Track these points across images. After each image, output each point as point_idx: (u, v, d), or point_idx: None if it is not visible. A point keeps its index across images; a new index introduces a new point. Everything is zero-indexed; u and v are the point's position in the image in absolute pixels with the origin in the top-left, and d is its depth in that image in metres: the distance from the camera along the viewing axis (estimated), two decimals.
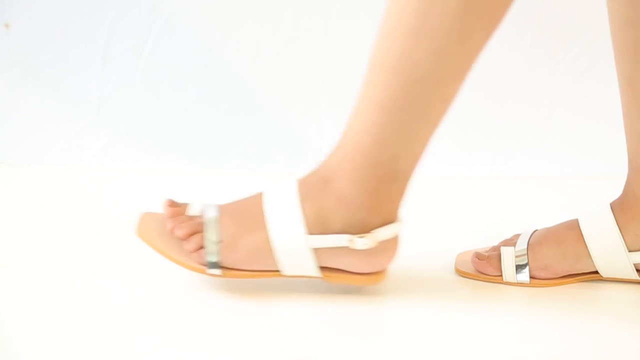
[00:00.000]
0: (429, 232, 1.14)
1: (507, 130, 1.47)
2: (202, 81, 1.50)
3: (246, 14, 1.50)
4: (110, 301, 0.95)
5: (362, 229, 0.93)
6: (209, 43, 1.51)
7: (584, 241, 1.00)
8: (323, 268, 0.95)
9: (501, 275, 1.01)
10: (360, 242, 0.92)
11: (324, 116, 1.48)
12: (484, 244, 1.08)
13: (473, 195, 1.30)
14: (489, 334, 0.90)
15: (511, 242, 1.04)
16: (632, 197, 1.01)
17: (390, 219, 0.94)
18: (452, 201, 1.28)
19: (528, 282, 0.99)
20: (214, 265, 0.93)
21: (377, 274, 0.96)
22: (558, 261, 1.00)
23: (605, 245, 0.99)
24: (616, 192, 1.02)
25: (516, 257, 1.01)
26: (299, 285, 0.97)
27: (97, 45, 1.49)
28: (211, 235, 0.93)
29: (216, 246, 0.93)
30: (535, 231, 1.04)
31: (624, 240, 0.99)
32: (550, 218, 1.19)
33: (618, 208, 1.01)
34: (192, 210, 0.97)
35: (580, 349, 0.88)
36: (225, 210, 0.96)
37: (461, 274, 1.02)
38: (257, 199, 0.95)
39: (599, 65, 1.49)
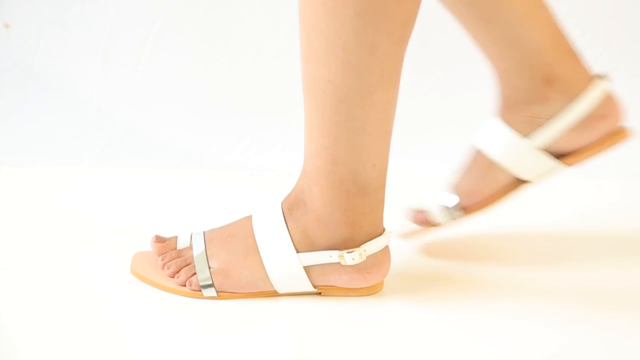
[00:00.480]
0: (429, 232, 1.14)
1: None
2: (202, 81, 1.51)
3: (246, 14, 1.50)
4: (110, 302, 0.95)
5: (349, 246, 0.94)
6: (209, 43, 1.51)
7: (487, 154, 1.03)
8: (317, 286, 0.96)
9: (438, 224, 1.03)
10: (349, 257, 0.93)
11: None
12: (483, 243, 1.08)
13: None
14: (488, 332, 0.90)
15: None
16: (505, 96, 1.03)
17: (376, 233, 0.95)
18: None
19: (462, 215, 1.01)
20: (209, 286, 0.94)
21: (373, 286, 0.97)
22: (477, 181, 1.03)
23: (503, 143, 1.02)
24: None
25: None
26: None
27: (97, 45, 1.49)
28: (202, 267, 0.95)
29: (208, 272, 0.95)
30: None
31: (515, 130, 1.01)
32: (550, 218, 1.19)
33: (499, 110, 1.03)
34: (181, 242, 0.99)
35: (581, 348, 0.88)
36: (213, 237, 0.97)
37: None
38: (246, 223, 0.97)
39: (599, 65, 1.49)
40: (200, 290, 0.94)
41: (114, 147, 1.48)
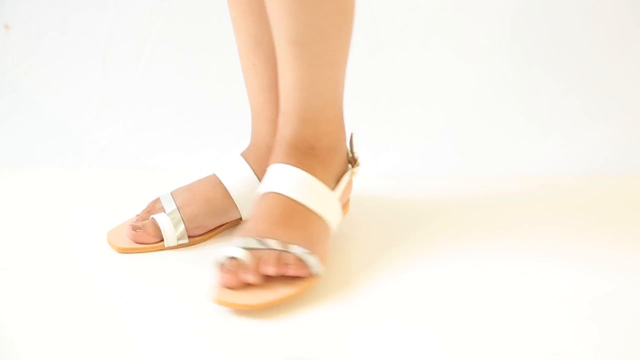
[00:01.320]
0: (429, 232, 1.14)
1: (507, 130, 1.47)
2: (202, 82, 1.51)
3: None
4: (110, 302, 0.95)
5: (346, 157, 1.05)
6: (210, 43, 1.51)
7: (230, 195, 1.09)
8: None
9: (162, 242, 1.06)
10: (358, 170, 1.06)
11: None
12: (483, 243, 1.08)
13: (473, 195, 1.30)
14: (488, 332, 0.90)
15: (155, 208, 1.10)
16: (264, 146, 1.11)
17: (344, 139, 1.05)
18: (452, 201, 1.28)
19: (188, 242, 1.06)
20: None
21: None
22: (210, 219, 1.08)
23: (249, 195, 1.08)
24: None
25: (172, 219, 1.07)
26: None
27: (97, 46, 1.49)
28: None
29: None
30: (174, 191, 1.11)
31: (256, 171, 1.10)
32: (551, 218, 1.19)
33: (252, 159, 1.11)
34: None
35: (581, 347, 0.88)
36: (264, 220, 0.98)
37: (121, 250, 1.06)
38: (286, 201, 0.98)
39: (599, 66, 1.49)
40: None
41: (114, 149, 1.48)
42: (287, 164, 0.97)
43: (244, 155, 1.13)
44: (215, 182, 1.11)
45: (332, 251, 1.07)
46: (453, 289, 0.98)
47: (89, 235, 1.11)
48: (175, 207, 1.08)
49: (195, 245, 1.08)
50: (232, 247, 0.93)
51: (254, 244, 0.93)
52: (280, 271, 0.92)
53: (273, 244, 0.93)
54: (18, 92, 1.50)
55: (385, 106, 1.50)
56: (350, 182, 1.07)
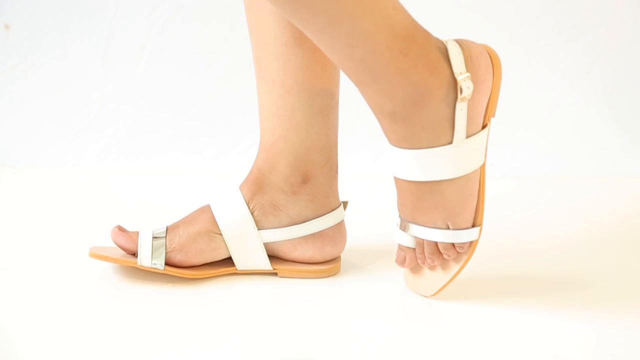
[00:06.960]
0: None
1: (507, 130, 1.47)
2: (202, 81, 1.51)
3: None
4: (110, 302, 0.95)
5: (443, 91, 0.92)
6: (209, 43, 1.51)
7: (217, 222, 0.99)
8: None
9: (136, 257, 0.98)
10: (466, 95, 0.94)
11: None
12: (484, 243, 1.07)
13: None
14: (487, 332, 0.90)
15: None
16: (257, 171, 1.01)
17: None
18: None
19: (162, 269, 0.96)
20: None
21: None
22: (193, 241, 0.98)
23: (235, 224, 0.98)
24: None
25: (154, 238, 0.98)
26: (296, 286, 0.98)
27: (96, 46, 1.49)
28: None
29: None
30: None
31: (253, 216, 0.99)
32: (551, 218, 1.19)
33: (244, 185, 1.01)
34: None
35: (581, 348, 0.88)
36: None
37: (92, 255, 0.97)
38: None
39: (600, 65, 1.50)
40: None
41: (114, 148, 1.48)
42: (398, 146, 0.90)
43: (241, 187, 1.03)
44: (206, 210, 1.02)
45: None
46: (451, 288, 0.99)
47: (89, 235, 1.11)
48: (164, 229, 0.99)
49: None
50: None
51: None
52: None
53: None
54: (18, 91, 1.50)
55: None
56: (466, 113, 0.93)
